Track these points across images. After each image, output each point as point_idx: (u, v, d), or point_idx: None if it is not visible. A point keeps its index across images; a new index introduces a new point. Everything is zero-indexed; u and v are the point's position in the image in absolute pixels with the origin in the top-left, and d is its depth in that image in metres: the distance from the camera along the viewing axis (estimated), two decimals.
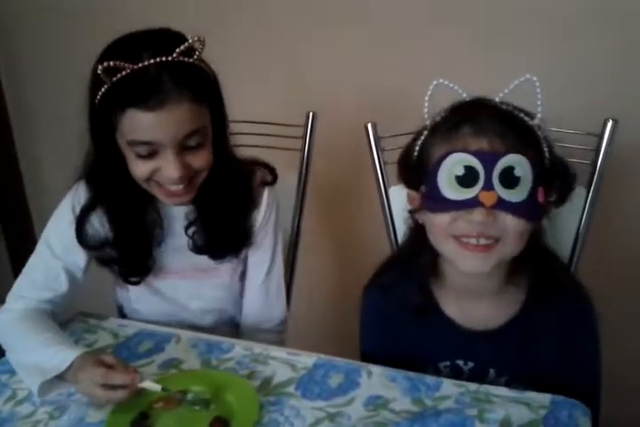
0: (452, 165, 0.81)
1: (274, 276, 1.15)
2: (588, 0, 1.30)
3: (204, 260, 1.08)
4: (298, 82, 1.60)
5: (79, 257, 1.05)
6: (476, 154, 0.80)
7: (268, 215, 1.10)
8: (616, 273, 1.45)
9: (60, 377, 0.89)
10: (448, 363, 0.96)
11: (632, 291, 1.47)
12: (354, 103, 1.50)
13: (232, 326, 1.20)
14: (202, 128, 0.92)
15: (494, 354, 0.93)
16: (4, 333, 0.99)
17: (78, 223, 1.03)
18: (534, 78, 0.84)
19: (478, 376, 0.94)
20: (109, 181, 0.99)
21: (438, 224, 0.84)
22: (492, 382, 0.94)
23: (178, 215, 1.06)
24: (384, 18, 1.47)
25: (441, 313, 0.94)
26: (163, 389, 0.85)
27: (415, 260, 0.94)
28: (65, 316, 1.11)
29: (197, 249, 1.06)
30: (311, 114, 1.29)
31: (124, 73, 0.85)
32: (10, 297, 1.05)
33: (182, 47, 0.87)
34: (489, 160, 0.80)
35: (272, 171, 1.12)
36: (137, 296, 1.14)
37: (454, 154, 0.81)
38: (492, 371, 0.94)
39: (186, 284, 1.12)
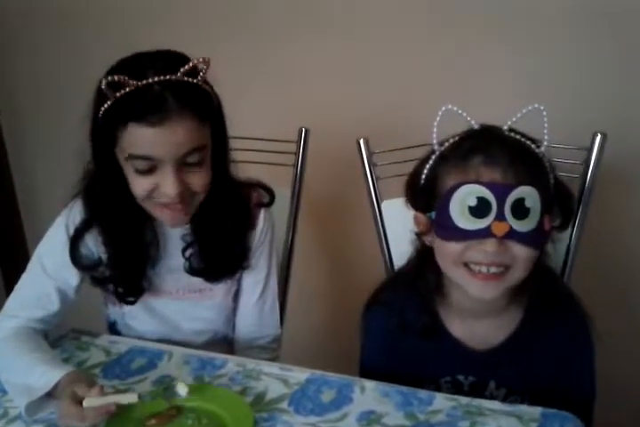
0: (465, 196, 0.83)
1: (268, 295, 1.16)
2: (575, 14, 1.33)
3: (198, 281, 1.09)
4: (290, 98, 1.62)
5: (72, 276, 1.05)
6: (488, 186, 0.83)
7: (264, 236, 1.12)
8: (607, 285, 1.46)
9: (50, 395, 0.88)
10: (449, 378, 0.98)
11: (623, 301, 1.48)
12: (346, 119, 1.53)
13: (225, 344, 1.20)
14: (202, 147, 0.93)
15: (494, 369, 0.95)
16: None
17: (72, 243, 1.03)
18: (541, 107, 0.87)
19: (478, 389, 0.96)
20: (107, 199, 1.00)
21: (450, 252, 0.87)
22: (491, 394, 0.96)
23: (174, 236, 1.07)
24: (377, 34, 1.50)
25: (446, 333, 0.96)
26: (139, 396, 0.85)
27: (420, 280, 0.96)
28: (57, 332, 1.11)
29: (193, 271, 1.07)
30: (304, 130, 1.31)
31: (127, 89, 0.88)
32: (1, 316, 1.05)
33: (186, 67, 0.90)
34: (501, 192, 0.82)
35: (270, 191, 1.13)
36: (131, 312, 1.14)
37: (468, 185, 0.84)
38: (491, 383, 0.97)
39: (179, 304, 1.12)
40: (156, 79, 0.88)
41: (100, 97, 0.91)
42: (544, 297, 0.93)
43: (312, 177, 1.36)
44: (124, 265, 1.04)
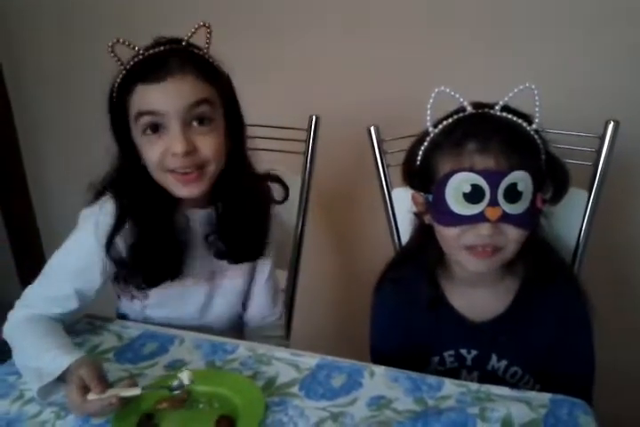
0: (460, 183, 0.87)
1: (273, 275, 1.22)
2: (590, 0, 1.33)
3: (219, 264, 1.12)
4: (300, 85, 1.63)
5: (95, 280, 1.05)
6: (482, 173, 0.86)
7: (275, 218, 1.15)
8: (619, 274, 1.47)
9: (61, 379, 0.90)
10: (452, 352, 1.02)
11: (634, 291, 1.49)
12: (356, 106, 1.53)
13: (235, 327, 1.24)
14: (206, 101, 0.95)
15: (494, 341, 0.99)
16: (11, 336, 1.01)
17: (108, 242, 1.02)
18: (533, 86, 0.88)
19: (481, 363, 1.00)
20: (137, 186, 1.01)
21: (449, 237, 0.92)
22: (492, 367, 1.00)
23: (197, 221, 1.08)
24: (386, 22, 1.50)
25: (449, 305, 1.01)
26: (143, 388, 0.86)
27: (423, 256, 1.00)
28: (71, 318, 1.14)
29: (218, 254, 1.09)
30: (314, 117, 1.32)
31: (136, 59, 0.95)
32: (19, 303, 1.06)
33: (190, 34, 0.97)
34: (495, 179, 0.86)
35: (285, 188, 1.17)
36: (157, 301, 1.14)
37: (462, 173, 0.87)
38: (494, 356, 1.00)
39: (201, 290, 1.14)
40: (162, 48, 0.96)
41: (113, 81, 0.97)
42: (539, 268, 0.97)
43: (322, 165, 1.37)
44: (158, 252, 1.03)
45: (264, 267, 1.19)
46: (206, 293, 1.15)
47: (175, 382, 0.87)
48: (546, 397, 0.86)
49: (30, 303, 1.05)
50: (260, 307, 1.22)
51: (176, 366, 0.98)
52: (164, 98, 0.93)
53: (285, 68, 1.64)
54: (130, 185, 1.02)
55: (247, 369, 0.96)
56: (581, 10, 1.34)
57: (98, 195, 1.06)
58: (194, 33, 0.98)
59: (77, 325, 1.11)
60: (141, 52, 0.95)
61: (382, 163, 1.26)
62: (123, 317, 1.22)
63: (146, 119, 0.94)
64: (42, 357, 0.93)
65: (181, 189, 0.99)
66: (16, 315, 1.04)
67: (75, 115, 1.91)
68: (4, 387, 0.95)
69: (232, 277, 1.16)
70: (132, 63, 0.95)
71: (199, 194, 1.01)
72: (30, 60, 1.99)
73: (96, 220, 1.02)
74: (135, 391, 0.86)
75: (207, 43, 0.99)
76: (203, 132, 0.96)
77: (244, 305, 1.23)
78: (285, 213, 1.32)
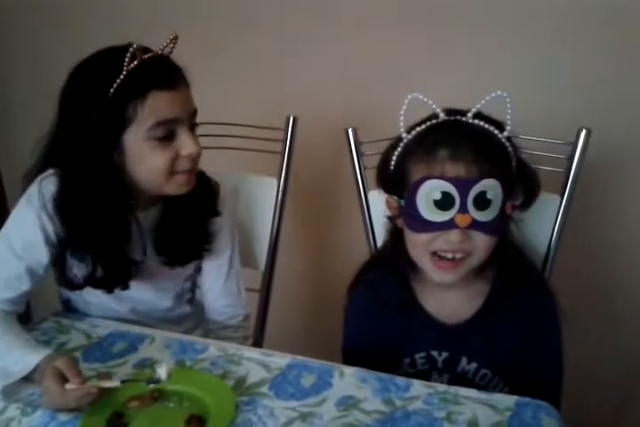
0: (430, 190, 0.89)
1: (233, 277, 1.23)
2: (561, 10, 1.36)
3: (156, 264, 1.13)
4: (278, 85, 1.64)
5: (42, 255, 1.05)
6: (452, 181, 0.88)
7: (224, 221, 1.16)
8: (588, 280, 1.51)
9: (27, 378, 0.90)
10: (424, 354, 1.04)
11: (603, 296, 1.53)
12: (334, 107, 1.55)
13: (176, 324, 1.25)
14: (196, 110, 1.03)
15: (465, 344, 1.02)
16: None
17: (60, 264, 1.07)
18: (505, 94, 0.91)
19: (451, 365, 1.03)
20: (89, 183, 1.01)
21: (419, 243, 0.94)
22: (462, 369, 1.02)
23: (144, 220, 1.09)
24: (365, 23, 1.53)
25: (420, 308, 1.03)
26: (122, 381, 0.88)
27: (395, 259, 1.02)
28: (38, 315, 1.13)
29: (160, 253, 1.11)
30: (292, 117, 1.34)
31: (135, 62, 0.95)
32: None
33: (165, 44, 1.01)
34: (464, 186, 0.88)
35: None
36: (88, 290, 1.13)
37: (432, 180, 0.89)
38: (464, 359, 1.03)
39: (139, 283, 1.14)
40: (150, 54, 0.98)
41: (104, 77, 0.95)
42: (509, 272, 1.00)
43: (299, 165, 1.38)
44: (111, 254, 1.05)
45: (219, 270, 1.21)
46: (137, 290, 1.15)
47: (153, 376, 0.89)
48: (511, 399, 0.89)
49: None
50: (219, 309, 1.24)
51: (145, 364, 0.99)
52: (178, 104, 0.98)
53: (263, 67, 1.65)
54: (84, 184, 1.01)
55: (217, 369, 0.98)
56: (551, 16, 1.37)
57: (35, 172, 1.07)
58: (167, 45, 1.01)
59: (44, 323, 1.11)
60: (141, 56, 0.96)
61: (359, 165, 1.28)
62: (66, 302, 1.23)
63: (162, 128, 0.98)
64: (6, 357, 0.93)
65: (182, 188, 1.04)
66: None
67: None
68: None
69: (168, 279, 1.19)
70: (134, 65, 0.95)
71: (191, 190, 1.06)
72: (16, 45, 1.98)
73: (34, 193, 1.04)
74: (115, 383, 0.87)
75: (169, 53, 1.02)
76: (195, 135, 1.03)
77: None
78: (260, 214, 1.34)
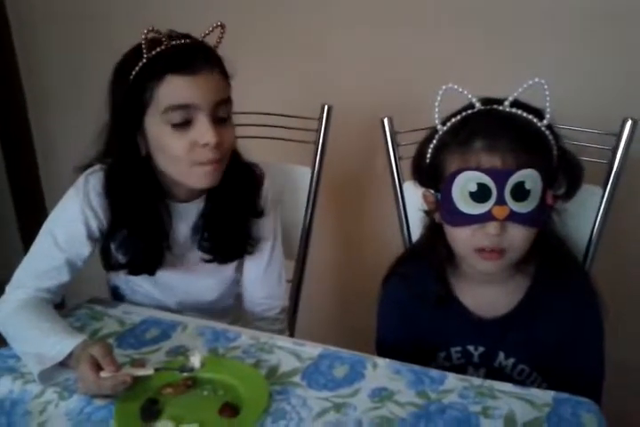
0: (466, 182, 0.88)
1: (274, 267, 1.22)
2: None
3: (199, 255, 1.15)
4: (314, 75, 1.65)
5: (84, 248, 1.08)
6: (488, 172, 0.87)
7: (267, 213, 1.17)
8: (631, 272, 1.48)
9: (62, 364, 0.93)
10: (459, 348, 1.04)
11: None
12: (368, 97, 1.55)
13: (225, 314, 1.27)
14: (228, 100, 1.02)
15: (503, 338, 1.01)
16: (4, 325, 1.03)
17: (105, 248, 1.10)
18: (542, 81, 0.89)
19: (488, 360, 1.02)
20: (129, 174, 1.05)
21: (460, 239, 0.94)
22: (500, 364, 1.02)
23: (187, 213, 1.12)
24: (403, 14, 1.52)
25: (457, 302, 1.03)
26: (155, 369, 0.90)
27: (432, 253, 1.02)
28: (73, 302, 1.16)
29: (204, 249, 1.13)
30: (326, 107, 1.34)
31: (162, 47, 0.97)
32: (9, 287, 1.09)
33: (207, 32, 1.02)
34: (501, 177, 0.87)
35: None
36: (135, 281, 1.19)
37: (468, 172, 0.88)
38: (501, 354, 1.02)
39: (183, 277, 1.18)
40: (184, 41, 0.99)
41: (130, 60, 0.99)
42: (550, 266, 0.98)
43: (333, 155, 1.38)
44: (141, 239, 1.09)
45: (258, 262, 1.20)
46: (184, 281, 1.18)
47: (186, 365, 0.91)
48: (549, 395, 0.88)
49: (21, 284, 1.08)
50: (258, 300, 1.23)
51: (179, 351, 1.01)
52: (195, 91, 0.97)
53: (299, 58, 1.66)
54: (123, 171, 1.05)
55: (249, 357, 0.99)
56: (602, 5, 1.34)
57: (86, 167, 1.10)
58: (210, 32, 1.02)
59: (78, 310, 1.14)
60: (165, 41, 0.97)
61: (395, 155, 1.27)
62: (115, 289, 1.25)
63: (176, 114, 0.97)
64: (42, 343, 0.95)
65: (203, 181, 1.04)
66: (7, 301, 1.06)
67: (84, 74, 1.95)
68: (4, 369, 0.97)
69: (214, 270, 1.19)
70: (157, 51, 0.97)
71: (215, 185, 1.05)
72: (44, 46, 2.03)
73: (80, 187, 1.08)
74: (148, 371, 0.89)
75: (218, 42, 1.03)
76: (224, 128, 1.01)
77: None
78: (293, 204, 1.35)
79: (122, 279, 1.22)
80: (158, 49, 0.97)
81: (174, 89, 0.97)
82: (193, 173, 1.02)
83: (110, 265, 1.13)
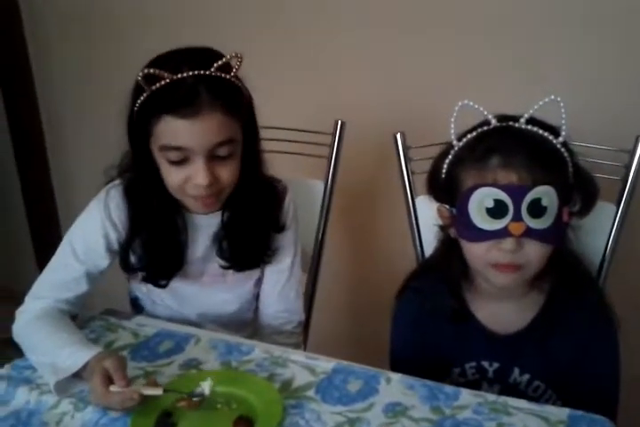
0: (483, 198, 0.90)
1: (292, 282, 1.23)
2: (617, 14, 1.35)
3: (218, 268, 1.16)
4: (327, 91, 1.67)
5: (102, 260, 1.11)
6: (505, 188, 0.88)
7: (288, 226, 1.18)
8: None
9: (77, 375, 0.94)
10: (474, 364, 1.04)
11: None
12: (380, 113, 1.56)
13: (241, 327, 1.27)
14: (231, 140, 1.00)
15: (517, 355, 1.02)
16: (22, 335, 1.05)
17: (124, 251, 1.12)
18: (558, 99, 0.90)
19: (502, 376, 1.03)
20: (143, 188, 1.07)
21: (476, 254, 0.95)
22: (514, 380, 1.02)
23: (204, 225, 1.14)
24: (415, 30, 1.54)
25: (472, 317, 1.03)
26: (165, 390, 0.89)
27: (447, 268, 1.03)
28: (87, 313, 1.17)
29: (223, 259, 1.14)
30: (339, 122, 1.36)
31: (163, 82, 0.95)
32: (28, 297, 1.11)
33: (220, 62, 0.97)
34: (518, 194, 0.88)
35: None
36: (156, 292, 1.20)
37: (484, 188, 0.90)
38: (516, 370, 1.02)
39: (202, 289, 1.19)
40: (190, 73, 0.95)
41: (136, 90, 0.99)
42: (565, 282, 0.99)
43: (346, 170, 1.40)
44: (156, 250, 1.11)
45: (279, 275, 1.22)
46: (202, 292, 1.20)
47: (196, 390, 0.91)
48: (564, 412, 0.88)
49: (40, 294, 1.10)
50: (274, 314, 1.24)
51: (192, 364, 1.02)
52: (192, 136, 0.96)
53: (312, 73, 1.68)
54: (140, 185, 1.08)
55: (263, 371, 0.99)
56: (619, 20, 1.36)
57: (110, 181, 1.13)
58: (224, 63, 0.97)
59: (92, 322, 1.15)
60: (169, 75, 0.94)
61: (407, 170, 1.29)
62: (135, 300, 1.27)
63: (171, 153, 0.98)
64: (57, 353, 0.96)
65: (198, 209, 1.08)
66: (26, 311, 1.08)
67: (102, 105, 1.97)
68: (20, 379, 0.98)
69: (233, 282, 1.20)
70: (158, 85, 0.95)
71: (213, 211, 1.10)
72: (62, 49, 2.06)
73: (103, 202, 1.10)
74: (157, 391, 0.89)
75: (235, 71, 0.99)
76: (224, 164, 1.01)
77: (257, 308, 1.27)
78: (306, 218, 1.36)
79: (143, 291, 1.23)
80: (158, 85, 0.95)
81: (170, 131, 0.97)
82: (188, 201, 1.06)
83: (128, 268, 1.14)
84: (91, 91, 2.00)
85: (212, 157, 0.99)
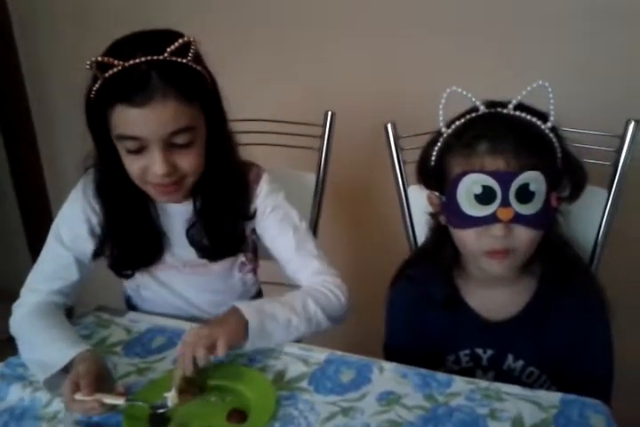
0: (471, 184, 0.91)
1: (308, 247, 1.15)
2: None
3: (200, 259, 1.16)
4: (316, 82, 1.68)
5: (88, 245, 1.13)
6: (493, 174, 0.90)
7: (268, 201, 1.15)
8: (637, 275, 1.49)
9: (68, 371, 0.94)
10: (468, 351, 1.06)
11: None
12: (370, 103, 1.57)
13: None
14: (189, 128, 0.98)
15: (511, 341, 1.03)
16: (17, 329, 1.08)
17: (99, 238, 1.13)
18: (546, 84, 0.91)
19: (496, 363, 1.04)
20: (109, 176, 1.08)
21: (466, 241, 0.96)
22: (509, 367, 1.04)
23: (177, 214, 1.14)
24: (403, 19, 1.55)
25: (464, 305, 1.05)
26: (127, 400, 0.88)
27: (439, 255, 1.04)
28: (81, 310, 1.19)
29: (197, 248, 1.14)
30: (330, 113, 1.37)
31: (114, 69, 0.94)
32: (23, 290, 1.13)
33: (173, 47, 0.95)
34: (505, 179, 0.89)
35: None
36: (143, 283, 1.21)
37: (472, 174, 0.91)
38: (510, 356, 1.04)
39: (185, 277, 1.20)
40: (142, 59, 0.93)
41: (93, 77, 0.97)
42: (557, 267, 1.00)
43: (337, 161, 1.41)
44: (129, 238, 1.12)
45: (285, 237, 1.15)
46: (186, 281, 1.20)
47: (159, 402, 0.89)
48: (557, 397, 0.89)
49: (34, 286, 1.13)
50: (302, 276, 1.14)
51: None
52: (145, 125, 0.95)
53: (302, 64, 1.69)
54: (108, 176, 1.09)
55: (256, 363, 1.01)
56: (605, 6, 1.36)
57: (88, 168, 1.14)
58: (179, 46, 0.95)
59: (85, 318, 1.17)
60: (119, 63, 0.93)
61: (399, 160, 1.30)
62: (129, 299, 1.28)
63: (127, 142, 0.98)
64: (47, 350, 0.98)
65: (161, 198, 1.08)
66: (22, 305, 1.10)
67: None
68: (14, 376, 1.00)
69: (214, 270, 1.19)
70: (110, 72, 0.94)
71: (177, 201, 1.10)
72: (46, 49, 2.07)
73: (80, 187, 1.13)
74: (119, 401, 0.88)
75: (190, 57, 0.96)
76: (183, 152, 1.00)
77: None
78: (298, 210, 1.37)
79: (132, 288, 1.24)
80: (110, 72, 0.94)
81: (123, 120, 0.96)
82: (149, 190, 1.06)
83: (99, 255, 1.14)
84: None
85: (170, 146, 0.98)
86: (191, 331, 0.95)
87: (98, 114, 0.99)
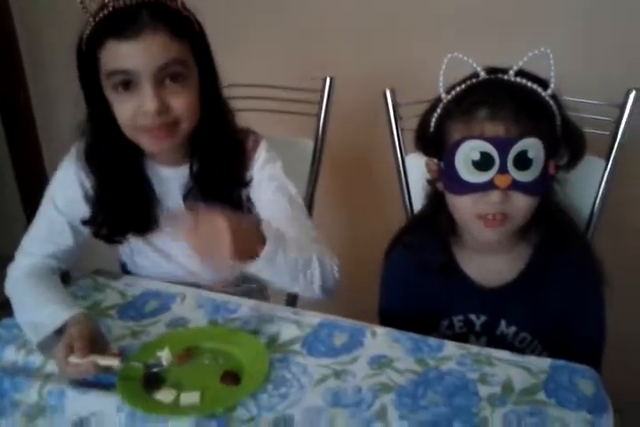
0: (469, 151, 0.91)
1: (302, 211, 1.15)
2: None
3: None
4: (315, 47, 1.67)
5: (81, 211, 1.13)
6: (491, 140, 0.90)
7: (265, 170, 1.15)
8: (633, 244, 1.51)
9: (61, 333, 0.94)
10: (462, 317, 1.08)
11: None
12: (370, 70, 1.56)
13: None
14: (179, 61, 0.99)
15: (504, 307, 1.05)
16: (11, 291, 1.09)
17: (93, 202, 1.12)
18: (548, 51, 0.91)
19: (489, 329, 1.06)
20: (100, 138, 1.08)
21: (462, 207, 0.97)
22: (502, 333, 1.06)
23: (172, 179, 1.14)
24: None
25: (460, 271, 1.06)
26: (121, 361, 0.89)
27: (435, 223, 1.05)
28: (78, 274, 1.20)
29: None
30: (328, 79, 1.36)
31: (106, 11, 0.97)
32: (17, 253, 1.15)
33: None
34: (504, 146, 0.90)
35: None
36: (137, 249, 1.21)
37: (471, 140, 0.91)
38: (502, 322, 1.06)
39: (179, 243, 1.17)
40: (133, 1, 0.97)
41: (84, 28, 0.99)
42: (552, 234, 1.01)
43: (335, 127, 1.41)
44: (113, 203, 1.11)
45: (277, 205, 1.13)
46: (181, 247, 1.15)
47: (154, 361, 0.91)
48: (546, 362, 0.91)
49: (28, 249, 1.14)
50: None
51: (178, 323, 1.04)
52: (135, 57, 0.96)
53: (301, 30, 1.67)
54: (98, 137, 1.08)
55: (250, 327, 1.02)
56: None
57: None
58: None
59: (80, 281, 1.18)
60: (110, 3, 0.96)
61: (397, 127, 1.30)
62: (124, 266, 1.29)
63: (117, 77, 0.98)
64: (40, 311, 0.99)
65: (152, 145, 1.05)
66: (16, 268, 1.12)
67: None
68: (9, 338, 1.01)
69: None
70: (101, 15, 0.97)
71: (168, 148, 1.08)
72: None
73: (73, 152, 1.13)
74: (113, 362, 0.88)
75: (179, 4, 1.00)
76: (175, 91, 1.00)
77: None
78: (296, 177, 1.36)
79: (127, 254, 1.25)
80: (101, 14, 0.97)
81: (113, 54, 0.97)
82: (140, 137, 1.04)
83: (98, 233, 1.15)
84: None
85: (161, 83, 0.98)
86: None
87: (89, 59, 1.00)
